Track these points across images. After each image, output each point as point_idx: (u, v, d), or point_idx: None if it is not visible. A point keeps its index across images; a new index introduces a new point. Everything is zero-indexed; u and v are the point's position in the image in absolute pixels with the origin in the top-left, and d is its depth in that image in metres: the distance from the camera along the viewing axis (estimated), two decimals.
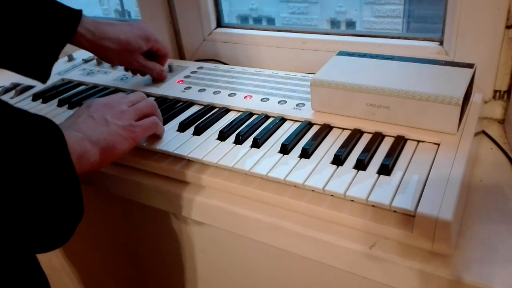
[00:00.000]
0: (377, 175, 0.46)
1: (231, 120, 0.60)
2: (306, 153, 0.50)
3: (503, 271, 0.39)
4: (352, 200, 0.45)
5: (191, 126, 0.60)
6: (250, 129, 0.56)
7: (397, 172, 0.46)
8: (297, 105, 0.61)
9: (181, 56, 0.93)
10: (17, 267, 0.43)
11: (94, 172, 0.46)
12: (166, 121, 0.61)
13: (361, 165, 0.47)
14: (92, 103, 0.52)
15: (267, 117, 0.60)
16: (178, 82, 0.73)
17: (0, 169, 0.32)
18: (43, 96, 0.74)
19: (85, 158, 0.44)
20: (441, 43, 0.66)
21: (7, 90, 0.79)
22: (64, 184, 0.38)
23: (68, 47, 0.75)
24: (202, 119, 0.61)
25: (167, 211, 0.58)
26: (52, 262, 0.90)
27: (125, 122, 0.51)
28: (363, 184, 0.45)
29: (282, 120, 0.59)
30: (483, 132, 0.60)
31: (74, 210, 0.39)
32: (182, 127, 0.59)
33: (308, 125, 0.57)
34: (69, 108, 0.69)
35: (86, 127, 0.48)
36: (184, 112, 0.64)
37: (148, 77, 0.76)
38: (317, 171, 0.48)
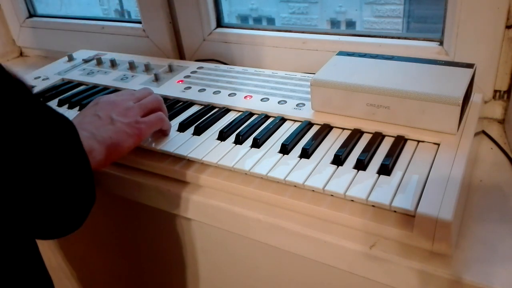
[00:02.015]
0: (377, 175, 0.46)
1: (231, 120, 0.60)
2: (306, 153, 0.50)
3: (503, 271, 0.39)
4: (352, 200, 0.45)
5: (191, 126, 0.60)
6: (250, 129, 0.56)
7: (397, 172, 0.46)
8: (297, 105, 0.61)
9: (181, 56, 0.93)
10: (23, 268, 0.43)
11: (99, 170, 0.47)
12: None
13: (361, 165, 0.47)
14: (99, 101, 0.54)
15: (267, 117, 0.60)
16: (178, 82, 0.73)
17: (18, 155, 0.34)
18: (43, 96, 0.74)
19: (91, 157, 0.45)
20: (441, 43, 0.66)
21: None
22: (78, 171, 0.39)
23: (68, 47, 0.75)
24: (202, 119, 0.61)
25: (167, 211, 0.58)
26: (51, 262, 0.90)
27: (130, 119, 0.51)
28: (363, 184, 0.45)
29: (282, 120, 0.59)
30: (483, 132, 0.60)
31: (87, 195, 0.41)
32: (182, 127, 0.59)
33: (308, 125, 0.57)
34: (69, 108, 0.70)
35: (92, 126, 0.49)
36: (184, 112, 0.64)
37: (148, 77, 0.76)
38: (317, 171, 0.48)
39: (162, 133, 0.58)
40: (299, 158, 0.50)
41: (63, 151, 0.38)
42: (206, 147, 0.55)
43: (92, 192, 0.42)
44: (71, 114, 0.67)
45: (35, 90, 0.77)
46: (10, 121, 0.33)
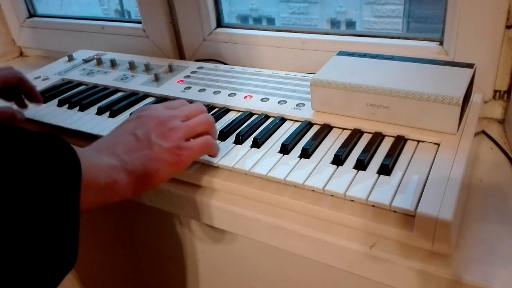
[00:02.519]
0: (377, 175, 0.46)
1: (231, 120, 0.60)
2: (306, 153, 0.50)
3: (503, 271, 0.39)
4: (352, 200, 0.45)
5: None
6: (250, 129, 0.56)
7: (397, 172, 0.46)
8: (297, 105, 0.61)
9: (181, 56, 0.93)
10: None
11: (126, 200, 0.42)
12: None
13: (361, 165, 0.47)
14: (142, 114, 0.47)
15: (267, 117, 0.60)
16: (178, 82, 0.73)
17: None
18: (43, 96, 0.74)
19: (113, 189, 0.39)
20: (441, 43, 0.66)
21: None
22: (61, 226, 0.32)
23: (68, 47, 0.75)
24: None
25: (167, 211, 0.58)
26: None
27: (172, 143, 0.44)
28: (363, 184, 0.45)
29: (282, 120, 0.59)
30: (483, 132, 0.60)
31: (65, 259, 0.33)
32: None
33: (308, 125, 0.57)
34: (69, 108, 0.69)
35: (124, 149, 0.42)
36: None
37: (148, 77, 0.76)
38: (317, 171, 0.48)
39: (209, 156, 0.51)
40: (299, 158, 0.50)
41: (46, 201, 0.31)
42: None
43: (72, 257, 0.34)
44: (70, 114, 0.67)
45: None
46: None
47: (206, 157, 0.52)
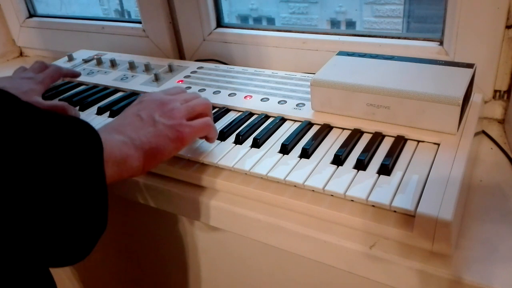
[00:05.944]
0: (377, 175, 0.46)
1: (231, 120, 0.60)
2: (306, 153, 0.50)
3: (503, 271, 0.39)
4: (352, 200, 0.45)
5: None
6: (250, 129, 0.56)
7: (397, 172, 0.46)
8: (297, 105, 0.61)
9: (181, 56, 0.93)
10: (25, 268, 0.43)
11: (138, 176, 0.44)
12: None
13: (361, 165, 0.47)
14: (144, 99, 0.50)
15: (267, 117, 0.60)
16: (178, 82, 0.73)
17: (32, 173, 0.31)
18: (43, 96, 0.74)
19: (126, 164, 0.42)
20: (441, 43, 0.66)
21: None
22: (90, 194, 0.36)
23: (68, 47, 0.75)
24: None
25: (167, 211, 0.58)
26: None
27: (174, 121, 0.47)
28: (363, 184, 0.45)
29: (282, 120, 0.59)
30: (483, 132, 0.60)
31: (97, 223, 0.37)
32: None
33: (308, 125, 0.57)
34: None
35: (131, 128, 0.46)
36: None
37: (148, 77, 0.76)
38: (317, 171, 0.48)
39: (207, 140, 0.54)
40: (299, 158, 0.50)
41: (75, 169, 0.34)
42: (206, 147, 0.54)
43: (103, 220, 0.38)
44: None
45: None
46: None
47: (206, 157, 0.52)
